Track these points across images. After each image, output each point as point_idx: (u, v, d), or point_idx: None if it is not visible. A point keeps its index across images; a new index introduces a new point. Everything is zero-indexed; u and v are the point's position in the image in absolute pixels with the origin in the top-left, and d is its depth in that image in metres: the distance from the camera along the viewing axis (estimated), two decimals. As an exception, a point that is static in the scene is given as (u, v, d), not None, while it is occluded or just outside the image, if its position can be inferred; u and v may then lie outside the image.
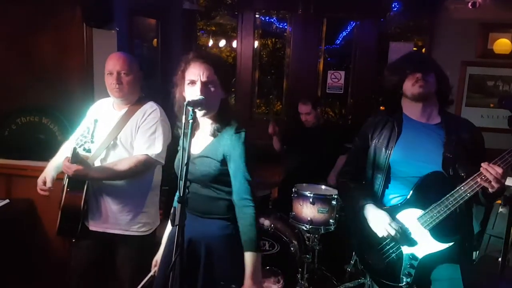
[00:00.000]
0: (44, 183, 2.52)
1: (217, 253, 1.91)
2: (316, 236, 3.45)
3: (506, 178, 1.82)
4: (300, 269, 3.42)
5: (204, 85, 1.85)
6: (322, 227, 3.36)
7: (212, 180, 1.91)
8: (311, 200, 3.32)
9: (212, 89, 1.87)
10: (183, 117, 1.63)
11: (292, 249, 3.34)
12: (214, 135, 1.94)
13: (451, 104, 2.18)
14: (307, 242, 3.51)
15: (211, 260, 1.91)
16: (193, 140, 1.91)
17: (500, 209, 3.54)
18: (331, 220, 3.35)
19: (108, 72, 2.48)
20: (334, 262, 3.80)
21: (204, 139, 1.98)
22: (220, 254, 1.91)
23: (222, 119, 1.94)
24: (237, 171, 1.86)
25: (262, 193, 3.78)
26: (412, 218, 2.06)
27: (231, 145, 1.88)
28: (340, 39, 6.46)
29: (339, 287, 3.52)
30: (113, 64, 2.47)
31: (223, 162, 1.89)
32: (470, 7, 4.04)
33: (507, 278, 1.66)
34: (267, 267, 3.31)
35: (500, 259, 2.49)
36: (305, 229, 3.39)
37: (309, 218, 3.33)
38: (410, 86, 2.06)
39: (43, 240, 3.39)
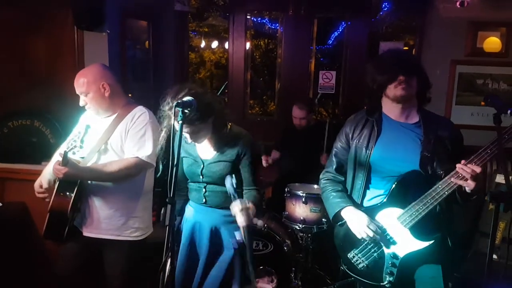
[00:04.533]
0: (41, 186, 2.53)
1: (219, 232, 2.31)
2: (309, 235, 3.47)
3: (481, 176, 1.84)
4: (293, 268, 3.43)
5: (191, 134, 2.15)
6: (315, 226, 3.38)
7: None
8: (303, 199, 3.34)
9: (201, 129, 2.16)
10: (172, 119, 1.64)
11: (285, 248, 3.35)
12: (217, 150, 2.27)
13: (429, 102, 2.19)
14: (300, 241, 3.52)
15: (215, 237, 2.30)
16: (199, 146, 2.30)
17: (491, 206, 3.57)
18: (323, 219, 3.37)
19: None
20: (327, 260, 3.81)
21: (212, 146, 2.28)
22: (222, 231, 2.31)
23: (217, 133, 2.24)
24: (249, 166, 2.26)
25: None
26: (392, 218, 2.08)
27: (244, 144, 2.24)
28: (332, 39, 6.50)
29: (333, 285, 3.53)
30: (76, 88, 2.49)
31: (237, 162, 2.24)
32: (459, 6, 4.07)
33: (494, 274, 1.69)
34: (261, 267, 3.33)
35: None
36: (298, 228, 3.41)
37: (302, 218, 3.35)
38: (392, 88, 2.06)
39: (36, 243, 3.38)
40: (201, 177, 2.29)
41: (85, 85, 2.46)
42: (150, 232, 2.68)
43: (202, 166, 2.28)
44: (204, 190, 2.31)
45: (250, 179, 2.29)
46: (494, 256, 2.79)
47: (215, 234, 2.32)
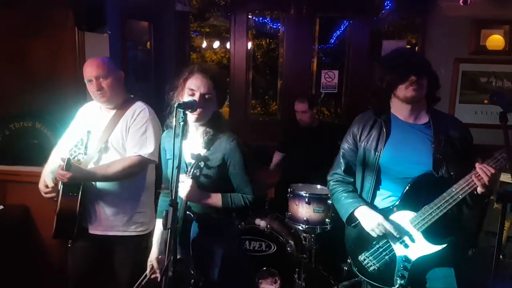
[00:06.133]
0: (46, 186, 2.52)
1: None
2: (313, 235, 3.45)
3: (498, 179, 1.82)
4: (297, 269, 3.41)
5: (202, 96, 2.00)
6: (318, 227, 3.35)
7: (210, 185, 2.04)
8: (306, 199, 3.32)
9: (209, 101, 2.02)
10: (174, 119, 1.63)
11: (288, 249, 3.34)
12: (207, 147, 2.08)
13: (438, 101, 2.16)
14: (303, 242, 3.50)
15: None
16: (185, 148, 2.07)
17: (496, 206, 3.55)
18: (327, 220, 3.35)
19: (87, 80, 2.48)
20: (331, 261, 3.80)
21: (197, 148, 2.08)
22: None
23: (214, 128, 2.09)
24: (238, 173, 2.07)
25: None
26: (404, 221, 2.05)
27: (230, 151, 2.05)
28: (334, 38, 6.49)
29: (337, 286, 3.51)
30: (89, 71, 2.46)
31: (222, 167, 2.05)
32: (462, 4, 4.04)
33: (501, 274, 1.68)
34: (264, 268, 3.31)
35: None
36: (301, 229, 3.39)
37: (305, 218, 3.33)
38: (403, 89, 2.02)
39: (39, 245, 3.37)
40: None
41: (106, 68, 2.47)
42: (153, 226, 2.68)
43: (179, 163, 2.06)
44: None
45: (242, 184, 2.10)
46: (500, 256, 2.76)
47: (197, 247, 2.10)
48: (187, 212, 1.97)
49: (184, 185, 1.93)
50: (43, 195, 2.54)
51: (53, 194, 2.51)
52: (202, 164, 1.97)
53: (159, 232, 2.27)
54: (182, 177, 1.92)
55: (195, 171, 1.95)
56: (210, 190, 2.04)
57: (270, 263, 3.33)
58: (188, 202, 2.00)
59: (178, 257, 1.85)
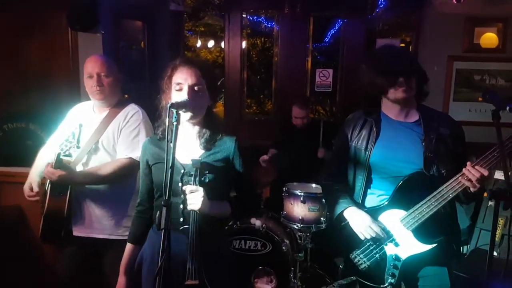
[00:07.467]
0: (31, 189, 2.51)
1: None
2: (308, 234, 3.45)
3: (489, 178, 1.81)
4: (292, 268, 3.42)
5: (191, 89, 1.85)
6: (313, 225, 3.36)
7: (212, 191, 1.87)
8: (301, 198, 3.32)
9: (200, 93, 1.87)
10: (167, 120, 1.61)
11: (284, 248, 3.34)
12: (206, 148, 1.93)
13: (427, 96, 2.13)
14: (299, 241, 3.51)
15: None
16: (179, 149, 1.85)
17: (490, 203, 3.56)
18: (322, 218, 3.35)
19: (88, 75, 2.46)
20: (326, 260, 3.80)
21: (194, 149, 1.94)
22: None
23: (210, 127, 1.95)
24: (243, 173, 1.98)
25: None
26: (394, 219, 2.05)
27: (235, 151, 1.95)
28: (328, 37, 6.48)
29: (332, 284, 3.52)
30: (92, 67, 2.45)
31: (224, 168, 1.92)
32: (455, 2, 4.06)
33: (494, 271, 1.69)
34: (260, 267, 3.31)
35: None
36: (296, 228, 3.39)
37: (300, 217, 3.33)
38: (393, 92, 2.01)
39: (34, 247, 3.36)
40: (180, 184, 1.84)
41: (109, 67, 2.47)
42: None
43: (182, 170, 1.86)
44: (182, 206, 1.84)
45: (243, 183, 2.02)
46: (494, 253, 2.77)
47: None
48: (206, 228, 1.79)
49: (197, 195, 1.74)
50: (26, 198, 2.53)
51: (37, 198, 2.50)
52: (206, 171, 1.81)
53: (128, 259, 2.09)
54: (190, 187, 1.75)
55: (202, 178, 1.79)
56: (211, 196, 1.82)
57: (266, 262, 3.33)
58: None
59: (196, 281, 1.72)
